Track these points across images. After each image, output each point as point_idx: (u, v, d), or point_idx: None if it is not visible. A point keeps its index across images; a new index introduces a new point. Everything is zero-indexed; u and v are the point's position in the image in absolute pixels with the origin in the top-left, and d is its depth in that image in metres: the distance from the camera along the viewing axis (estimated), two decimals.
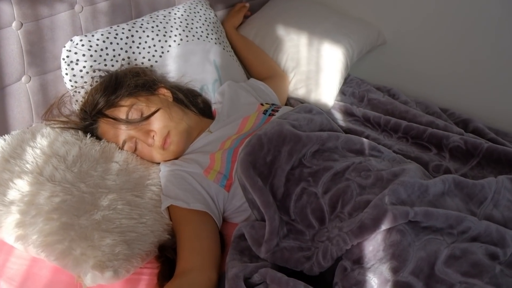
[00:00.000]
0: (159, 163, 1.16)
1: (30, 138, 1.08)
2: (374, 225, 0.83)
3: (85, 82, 1.22)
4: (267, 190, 0.96)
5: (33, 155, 1.02)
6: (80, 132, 1.15)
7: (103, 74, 1.22)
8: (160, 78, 1.29)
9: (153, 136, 1.11)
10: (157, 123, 1.12)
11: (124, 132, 1.12)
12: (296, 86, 1.51)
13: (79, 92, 1.23)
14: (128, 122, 1.11)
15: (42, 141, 1.07)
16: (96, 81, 1.22)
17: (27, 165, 1.00)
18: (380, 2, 1.65)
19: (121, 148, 1.13)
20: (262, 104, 1.29)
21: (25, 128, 1.15)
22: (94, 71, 1.22)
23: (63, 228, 0.89)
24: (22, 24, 1.14)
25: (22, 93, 1.19)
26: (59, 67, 1.24)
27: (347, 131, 1.34)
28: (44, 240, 0.87)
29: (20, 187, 0.95)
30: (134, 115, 1.12)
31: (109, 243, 0.89)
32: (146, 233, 0.96)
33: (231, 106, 1.30)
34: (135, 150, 1.14)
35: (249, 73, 1.58)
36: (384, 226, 0.83)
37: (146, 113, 1.12)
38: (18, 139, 1.06)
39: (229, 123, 1.22)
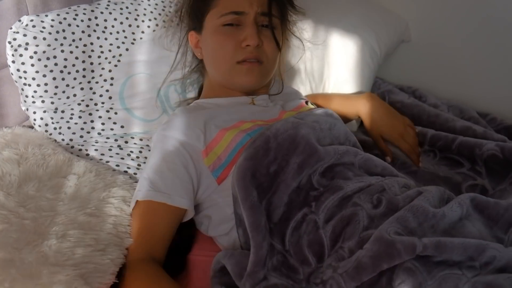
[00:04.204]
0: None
1: None
2: (374, 264, 0.81)
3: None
4: (261, 209, 0.95)
5: None
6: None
7: None
8: None
9: (255, 44, 1.14)
10: (269, 52, 1.18)
11: (254, 7, 1.15)
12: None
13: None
14: (270, 15, 1.17)
15: None
16: None
17: None
18: None
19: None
20: (306, 103, 1.29)
21: None
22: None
23: (1, 266, 0.85)
24: None
25: None
26: (1, 67, 1.20)
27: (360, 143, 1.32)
28: None
29: None
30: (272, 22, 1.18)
31: (62, 280, 0.86)
32: (105, 262, 0.94)
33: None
34: (224, 26, 1.16)
35: None
36: (386, 265, 0.81)
37: (277, 37, 1.19)
38: None
39: (271, 106, 1.24)
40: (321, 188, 0.98)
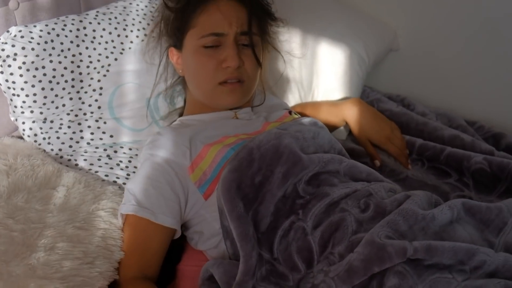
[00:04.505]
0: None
1: None
2: (365, 267, 0.82)
3: None
4: (248, 219, 0.95)
5: None
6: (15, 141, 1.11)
7: None
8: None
9: (236, 66, 1.14)
10: (250, 71, 1.18)
11: (234, 28, 1.15)
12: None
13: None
14: (250, 34, 1.16)
15: None
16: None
17: None
18: None
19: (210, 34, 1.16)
20: (290, 113, 1.29)
21: None
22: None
23: None
24: None
25: None
26: None
27: (349, 152, 1.32)
28: None
29: None
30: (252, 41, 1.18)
31: None
32: (94, 275, 0.94)
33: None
34: (204, 47, 1.16)
35: None
36: (377, 268, 0.82)
37: (258, 55, 1.19)
38: None
39: (254, 118, 1.23)
40: (307, 196, 0.99)
